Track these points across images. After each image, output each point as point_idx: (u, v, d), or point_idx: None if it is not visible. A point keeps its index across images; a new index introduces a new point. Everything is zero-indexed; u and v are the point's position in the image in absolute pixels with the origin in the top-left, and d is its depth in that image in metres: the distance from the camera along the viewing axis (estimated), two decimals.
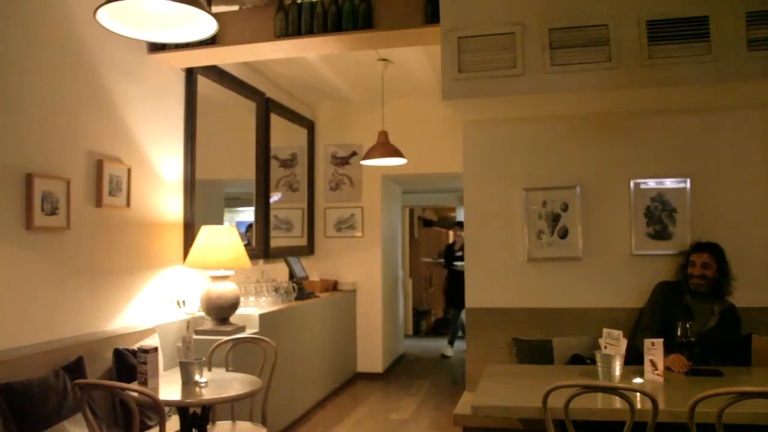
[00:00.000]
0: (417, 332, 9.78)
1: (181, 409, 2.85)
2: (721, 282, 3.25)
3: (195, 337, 3.12)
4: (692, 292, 3.25)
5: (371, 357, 6.66)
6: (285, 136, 6.00)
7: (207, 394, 2.76)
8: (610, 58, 3.20)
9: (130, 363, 3.11)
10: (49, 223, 2.99)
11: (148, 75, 3.85)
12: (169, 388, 2.80)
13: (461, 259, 7.34)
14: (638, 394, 2.30)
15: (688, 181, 3.62)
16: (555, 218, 3.76)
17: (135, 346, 3.14)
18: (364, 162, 5.50)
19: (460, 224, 7.91)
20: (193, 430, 2.89)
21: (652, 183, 3.67)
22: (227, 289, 3.85)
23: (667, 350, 2.79)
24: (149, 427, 3.08)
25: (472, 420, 2.93)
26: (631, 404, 2.12)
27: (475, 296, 3.87)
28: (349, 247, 6.63)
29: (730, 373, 2.84)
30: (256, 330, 4.04)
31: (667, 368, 2.82)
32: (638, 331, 3.32)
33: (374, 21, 3.61)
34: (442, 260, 8.66)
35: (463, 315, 7.25)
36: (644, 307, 3.49)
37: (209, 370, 3.25)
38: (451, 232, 9.05)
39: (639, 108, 3.65)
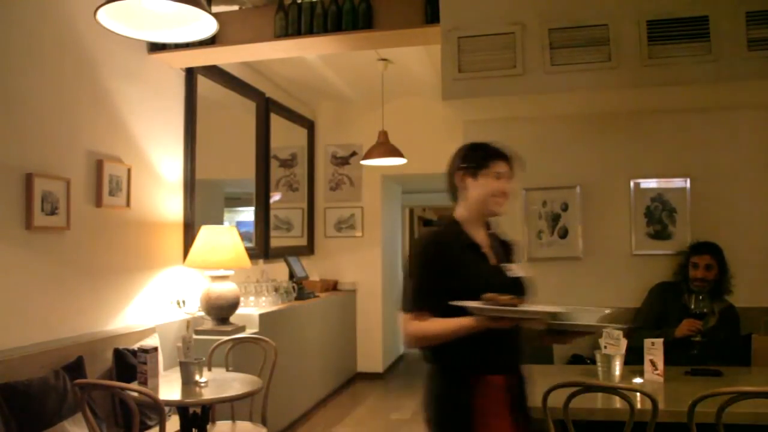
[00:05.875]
0: None
1: (181, 408, 2.85)
2: (722, 282, 3.26)
3: (195, 337, 3.12)
4: (691, 291, 3.25)
5: (371, 357, 6.66)
6: (285, 136, 6.00)
7: (207, 394, 2.76)
8: (610, 58, 3.19)
9: (130, 363, 3.11)
10: (49, 223, 2.99)
11: (148, 75, 3.84)
12: (169, 388, 2.80)
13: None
14: (638, 394, 2.30)
15: (688, 181, 3.61)
16: (555, 218, 3.76)
17: (135, 346, 3.14)
18: (364, 162, 5.50)
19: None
20: (193, 430, 2.89)
21: (652, 183, 3.66)
22: (227, 289, 3.85)
23: (666, 351, 2.79)
24: (149, 427, 3.08)
25: None
26: (631, 404, 2.11)
27: None
28: (349, 247, 6.63)
29: (730, 373, 2.84)
30: (256, 330, 4.04)
31: (674, 352, 2.82)
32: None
33: (374, 21, 3.61)
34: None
35: None
36: (639, 307, 3.49)
37: (209, 370, 3.25)
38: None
39: (639, 108, 3.65)
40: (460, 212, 2.03)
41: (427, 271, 1.88)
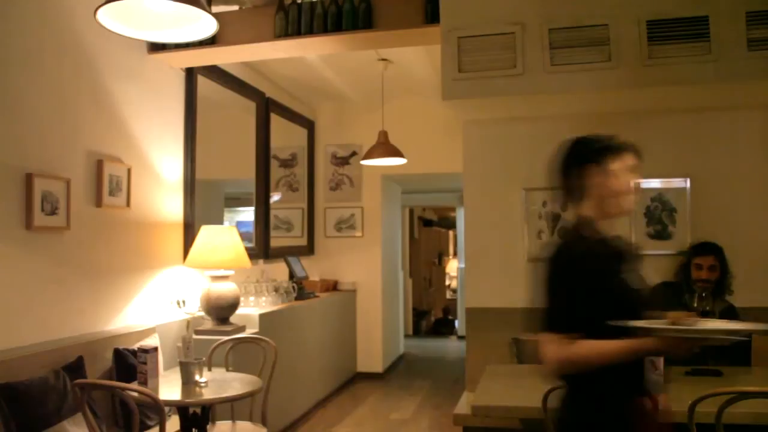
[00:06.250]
0: (417, 332, 9.79)
1: (181, 409, 2.85)
2: (723, 282, 3.25)
3: (195, 337, 3.12)
4: (692, 291, 3.25)
5: (371, 357, 6.66)
6: (285, 136, 6.00)
7: (207, 394, 2.76)
8: (610, 58, 3.19)
9: (130, 363, 3.11)
10: (49, 223, 2.99)
11: (148, 75, 3.84)
12: (169, 388, 2.80)
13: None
14: None
15: (688, 181, 3.61)
16: (555, 218, 3.76)
17: (135, 346, 3.14)
18: (364, 162, 5.50)
19: None
20: (193, 430, 2.89)
21: (652, 183, 3.66)
22: (227, 289, 3.85)
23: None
24: (149, 427, 3.08)
25: (472, 420, 2.92)
26: None
27: (475, 296, 3.86)
28: (349, 247, 6.63)
29: (730, 373, 2.84)
30: (256, 330, 4.04)
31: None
32: None
33: (374, 21, 3.61)
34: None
35: None
36: None
37: (209, 370, 3.25)
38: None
39: (639, 108, 3.65)
40: (584, 215, 1.80)
41: (572, 286, 1.66)
